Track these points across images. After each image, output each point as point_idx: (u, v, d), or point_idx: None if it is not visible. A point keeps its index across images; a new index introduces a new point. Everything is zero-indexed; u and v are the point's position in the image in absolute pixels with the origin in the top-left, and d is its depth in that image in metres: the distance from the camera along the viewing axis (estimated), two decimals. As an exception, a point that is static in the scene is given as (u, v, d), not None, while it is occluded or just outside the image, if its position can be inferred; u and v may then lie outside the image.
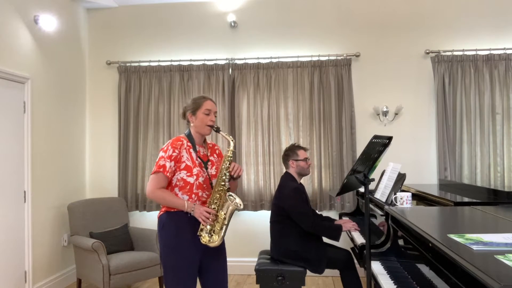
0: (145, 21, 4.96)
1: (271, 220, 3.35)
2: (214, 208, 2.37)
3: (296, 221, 3.20)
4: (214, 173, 2.51)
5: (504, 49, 4.37)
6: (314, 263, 3.20)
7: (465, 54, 4.43)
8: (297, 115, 4.63)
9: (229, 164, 2.41)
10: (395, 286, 2.07)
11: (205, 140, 2.59)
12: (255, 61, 4.71)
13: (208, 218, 2.30)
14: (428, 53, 4.53)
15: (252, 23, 4.82)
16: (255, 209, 4.64)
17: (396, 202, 2.78)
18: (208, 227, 2.34)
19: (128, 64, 4.85)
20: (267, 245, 4.50)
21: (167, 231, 2.39)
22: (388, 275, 2.23)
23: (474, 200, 2.67)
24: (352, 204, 4.45)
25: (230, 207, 2.36)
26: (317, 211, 4.35)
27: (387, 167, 3.18)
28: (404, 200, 2.75)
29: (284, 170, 3.48)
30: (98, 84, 5.00)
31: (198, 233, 2.35)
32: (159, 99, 4.81)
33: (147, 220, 4.83)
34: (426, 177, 4.53)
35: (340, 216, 4.05)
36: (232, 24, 4.79)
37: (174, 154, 2.38)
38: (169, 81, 4.80)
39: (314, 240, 3.29)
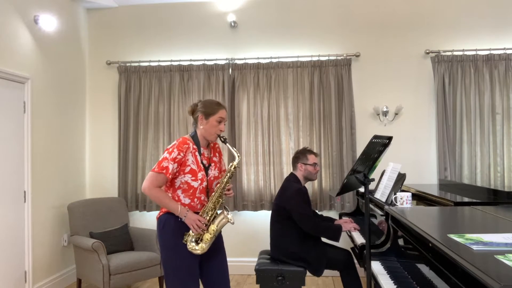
0: (145, 21, 4.96)
1: (272, 220, 3.36)
2: (206, 218, 2.38)
3: (296, 222, 3.20)
4: (216, 174, 2.52)
5: (504, 49, 4.38)
6: (314, 264, 3.20)
7: (465, 54, 4.43)
8: (297, 115, 4.63)
9: (231, 178, 2.42)
10: (395, 286, 2.07)
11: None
12: (255, 61, 4.71)
13: (199, 227, 2.32)
14: (428, 53, 4.53)
15: (252, 23, 4.82)
16: (255, 209, 4.64)
17: (396, 202, 2.78)
18: (194, 235, 2.35)
19: (128, 64, 4.85)
20: (267, 245, 4.50)
21: (167, 232, 2.39)
22: (388, 275, 2.24)
23: (474, 200, 2.67)
24: (352, 204, 4.46)
25: (223, 220, 2.38)
26: (317, 211, 4.35)
27: (387, 167, 3.18)
28: (404, 200, 2.75)
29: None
30: (98, 84, 5.00)
31: (184, 240, 2.35)
32: (159, 99, 4.81)
33: (147, 220, 4.83)
34: (426, 177, 4.53)
35: (340, 216, 4.05)
36: (232, 24, 4.79)
37: (179, 157, 2.36)
38: (169, 81, 4.80)
39: (314, 240, 3.29)
